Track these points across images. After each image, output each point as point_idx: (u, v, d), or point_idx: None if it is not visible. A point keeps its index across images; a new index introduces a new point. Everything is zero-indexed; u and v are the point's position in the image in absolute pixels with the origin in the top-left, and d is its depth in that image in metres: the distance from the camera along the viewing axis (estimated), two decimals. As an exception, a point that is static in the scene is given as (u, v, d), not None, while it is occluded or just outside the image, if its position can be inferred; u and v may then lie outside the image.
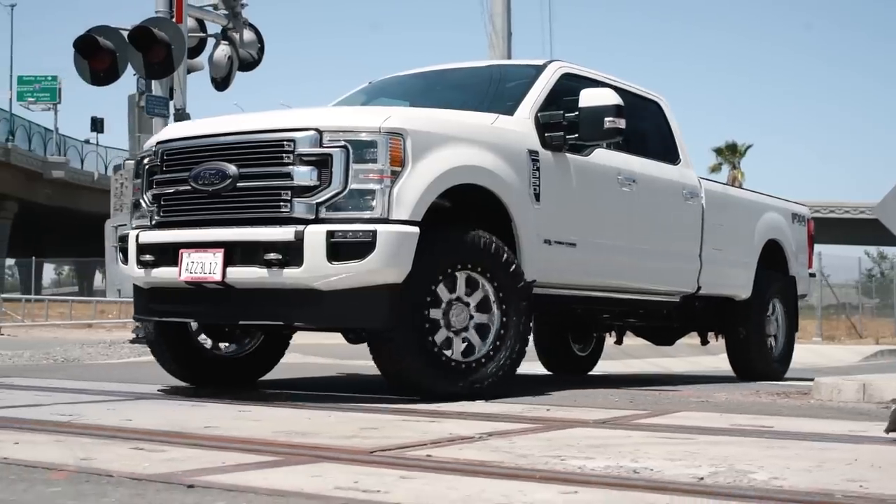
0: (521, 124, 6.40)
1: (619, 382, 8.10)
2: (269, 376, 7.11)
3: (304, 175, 5.37)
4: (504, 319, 5.90)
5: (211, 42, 13.28)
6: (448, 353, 5.72)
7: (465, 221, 5.88)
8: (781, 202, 9.71)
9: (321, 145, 5.38)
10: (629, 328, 9.41)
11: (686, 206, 7.93)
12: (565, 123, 6.47)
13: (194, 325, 6.55)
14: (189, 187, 5.69)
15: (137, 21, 11.81)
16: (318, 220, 5.33)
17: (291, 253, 5.33)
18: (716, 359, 11.90)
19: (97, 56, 11.79)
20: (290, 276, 5.34)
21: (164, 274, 5.82)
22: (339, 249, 5.28)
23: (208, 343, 6.79)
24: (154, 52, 11.56)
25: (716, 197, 8.40)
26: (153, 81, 12.55)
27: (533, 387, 6.86)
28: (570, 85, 6.86)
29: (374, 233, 5.28)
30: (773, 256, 9.25)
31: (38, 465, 3.22)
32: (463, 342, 5.80)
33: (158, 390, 6.36)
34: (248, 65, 13.62)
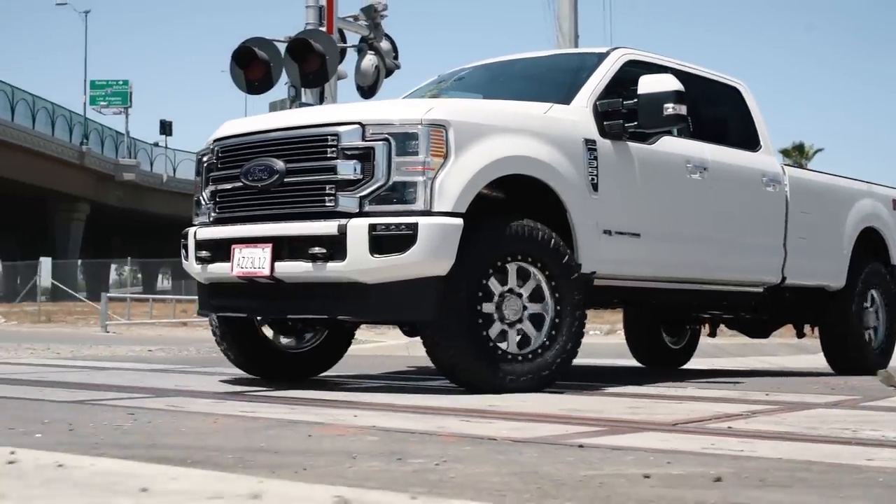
0: (577, 113, 6.29)
1: (736, 374, 8.06)
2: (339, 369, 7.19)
3: (347, 169, 5.39)
4: (558, 308, 5.81)
5: (350, 51, 13.69)
6: (503, 345, 5.67)
7: (520, 213, 5.82)
8: (881, 189, 9.28)
9: (364, 139, 5.40)
10: (720, 321, 9.18)
11: (766, 193, 7.67)
12: (624, 111, 6.34)
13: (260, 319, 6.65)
14: (240, 184, 5.79)
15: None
16: (361, 214, 5.36)
17: (335, 247, 5.36)
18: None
19: (252, 66, 12.34)
20: (334, 269, 5.38)
21: (218, 269, 5.93)
22: (381, 242, 5.29)
23: (282, 339, 6.88)
24: (309, 62, 12.06)
25: (801, 184, 8.10)
26: (304, 90, 13.02)
27: (650, 377, 6.79)
28: (636, 72, 6.69)
29: (416, 225, 5.27)
30: (871, 245, 8.87)
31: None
32: (518, 334, 5.75)
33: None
34: (390, 73, 14.02)
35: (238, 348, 6.62)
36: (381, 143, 5.37)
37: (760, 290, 7.79)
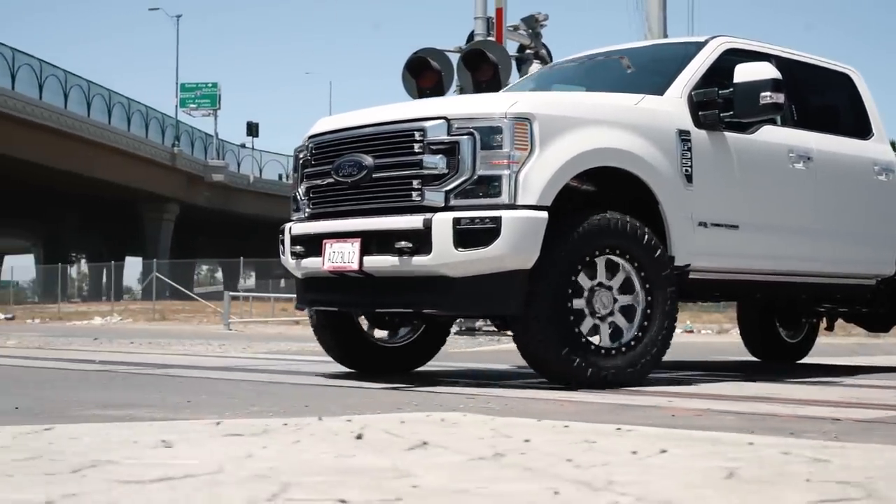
0: (670, 103, 6.19)
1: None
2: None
3: (433, 163, 5.43)
4: (650, 300, 5.75)
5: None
6: (594, 339, 5.64)
7: (611, 206, 5.77)
8: None
9: (449, 133, 5.43)
10: (836, 314, 8.90)
11: (878, 183, 7.40)
12: (720, 101, 6.20)
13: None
14: (332, 179, 5.89)
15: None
16: (447, 208, 5.39)
17: (421, 241, 5.41)
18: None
19: (424, 75, 12.86)
20: (420, 263, 5.43)
21: (311, 264, 6.05)
22: (465, 236, 5.31)
23: (376, 332, 6.97)
24: (483, 71, 12.60)
25: (919, 172, 7.78)
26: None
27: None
28: (736, 61, 6.54)
29: (499, 219, 5.28)
30: None
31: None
32: (609, 328, 5.70)
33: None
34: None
35: (335, 341, 6.74)
36: (466, 137, 5.39)
37: (873, 282, 7.53)
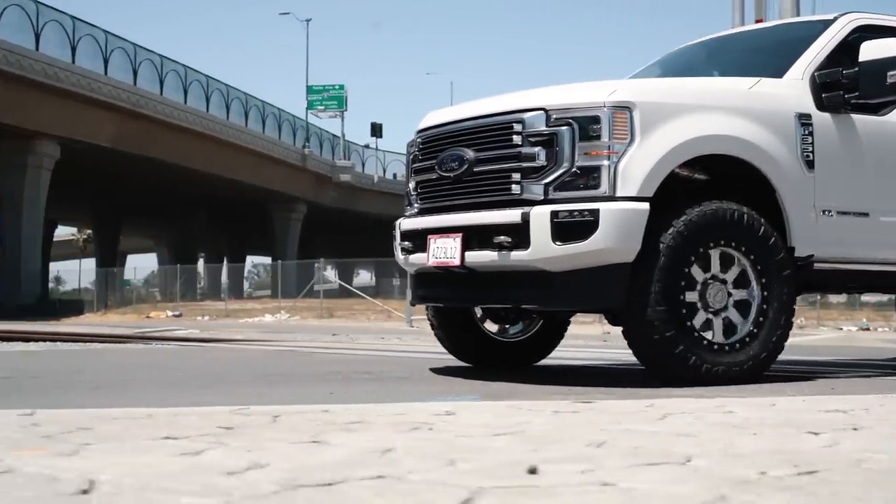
0: (789, 86, 5.88)
1: None
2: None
3: (532, 156, 5.33)
4: (765, 294, 5.50)
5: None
6: (707, 334, 5.43)
7: (726, 195, 5.53)
8: None
9: (548, 124, 5.32)
10: None
11: None
12: (845, 81, 5.86)
13: (478, 309, 6.70)
14: (436, 174, 5.86)
15: None
16: (546, 201, 5.27)
17: (520, 235, 5.31)
18: None
19: None
20: (518, 257, 5.34)
21: (418, 259, 6.04)
22: (564, 230, 5.19)
23: (493, 327, 6.91)
24: None
25: None
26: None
27: None
28: (866, 38, 6.15)
29: (597, 211, 5.13)
30: None
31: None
32: (722, 323, 5.48)
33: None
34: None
35: (451, 336, 6.72)
36: (564, 127, 5.26)
37: None
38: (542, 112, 5.35)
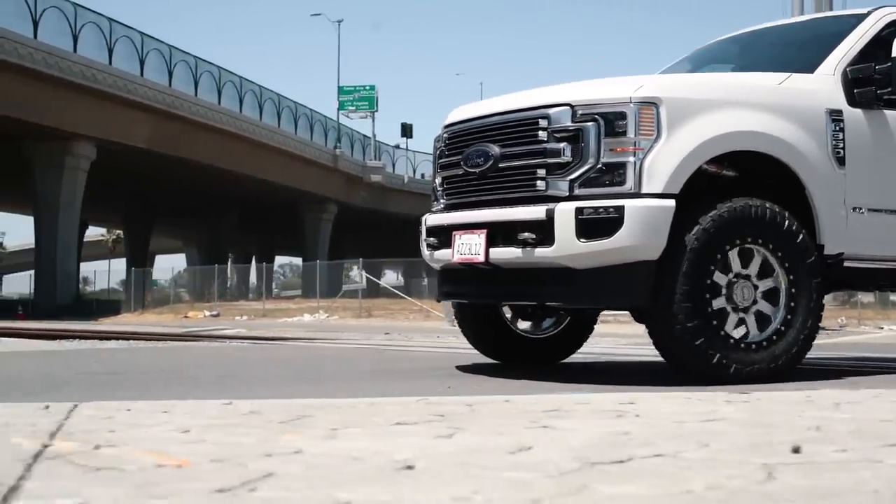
0: (819, 82, 5.79)
1: None
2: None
3: (557, 152, 5.27)
4: (793, 292, 5.42)
5: None
6: (734, 333, 5.35)
7: (757, 193, 5.46)
8: None
9: (574, 120, 5.26)
10: None
11: None
12: (878, 77, 5.76)
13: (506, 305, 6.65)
14: (462, 170, 5.82)
15: None
16: (571, 198, 5.22)
17: (544, 232, 5.26)
18: None
19: None
20: (542, 254, 5.29)
21: (443, 256, 6.00)
22: (588, 226, 5.13)
23: (525, 324, 6.87)
24: None
25: None
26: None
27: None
28: None
29: (622, 208, 5.07)
30: None
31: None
32: (749, 321, 5.40)
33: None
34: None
35: (477, 332, 6.68)
36: (590, 123, 5.20)
37: None
38: (568, 108, 5.29)
